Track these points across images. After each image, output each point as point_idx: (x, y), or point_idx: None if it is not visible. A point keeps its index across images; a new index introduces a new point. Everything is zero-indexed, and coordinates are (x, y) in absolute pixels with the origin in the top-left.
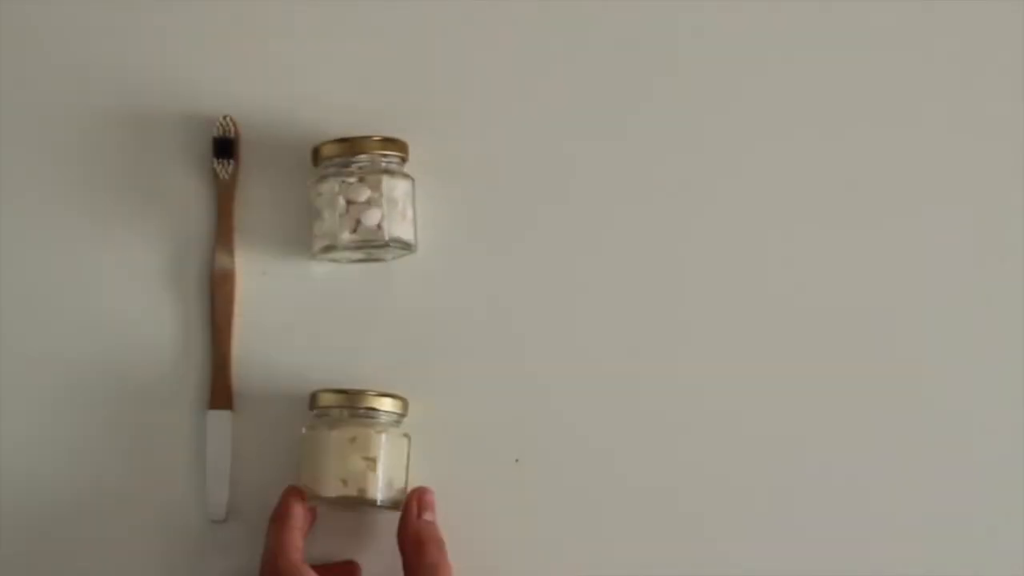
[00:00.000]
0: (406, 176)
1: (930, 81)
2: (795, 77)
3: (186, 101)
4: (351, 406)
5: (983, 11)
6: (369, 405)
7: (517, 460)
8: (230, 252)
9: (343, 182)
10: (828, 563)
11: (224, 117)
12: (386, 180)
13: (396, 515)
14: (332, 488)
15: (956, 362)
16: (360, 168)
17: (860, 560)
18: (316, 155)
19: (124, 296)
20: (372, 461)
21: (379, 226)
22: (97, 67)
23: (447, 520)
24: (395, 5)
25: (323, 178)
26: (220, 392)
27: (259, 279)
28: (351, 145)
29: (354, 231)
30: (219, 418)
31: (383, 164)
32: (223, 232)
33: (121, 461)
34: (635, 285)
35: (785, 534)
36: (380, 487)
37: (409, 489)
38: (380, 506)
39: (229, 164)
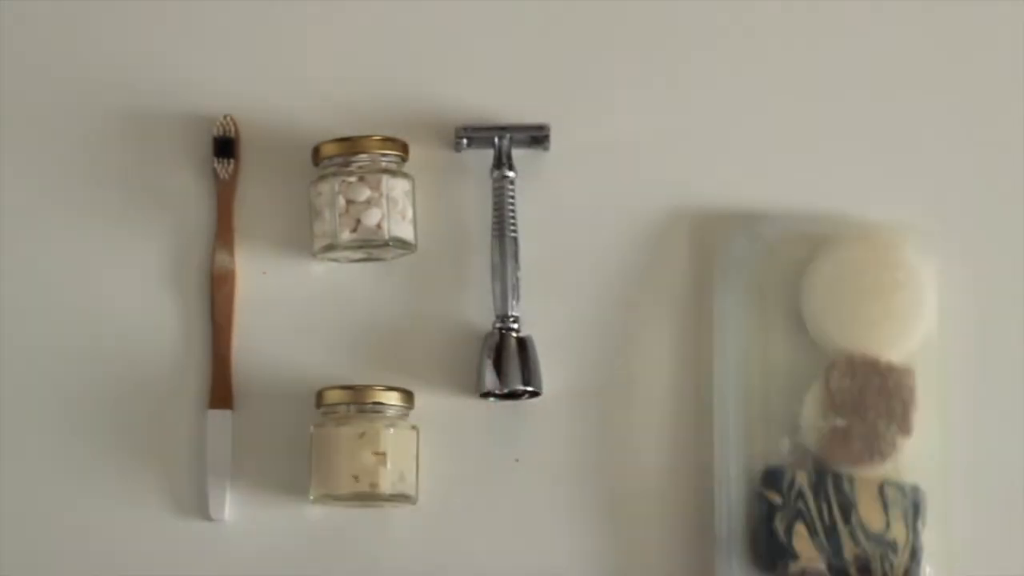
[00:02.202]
0: (406, 176)
1: None
2: None
3: (186, 101)
4: (358, 402)
5: None
6: (376, 400)
7: (517, 460)
8: (230, 252)
9: (343, 181)
10: None
11: (224, 117)
12: (386, 179)
13: (408, 508)
14: (344, 485)
15: None
16: (360, 168)
17: None
18: (316, 155)
19: (124, 296)
20: (382, 455)
21: (379, 225)
22: (98, 67)
23: (447, 519)
24: (395, 5)
25: (323, 178)
26: (220, 391)
27: (259, 279)
28: (351, 144)
29: (354, 230)
30: (219, 417)
31: (383, 163)
32: (223, 232)
33: (121, 460)
34: None
35: None
36: (392, 480)
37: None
38: (392, 499)
39: (229, 164)
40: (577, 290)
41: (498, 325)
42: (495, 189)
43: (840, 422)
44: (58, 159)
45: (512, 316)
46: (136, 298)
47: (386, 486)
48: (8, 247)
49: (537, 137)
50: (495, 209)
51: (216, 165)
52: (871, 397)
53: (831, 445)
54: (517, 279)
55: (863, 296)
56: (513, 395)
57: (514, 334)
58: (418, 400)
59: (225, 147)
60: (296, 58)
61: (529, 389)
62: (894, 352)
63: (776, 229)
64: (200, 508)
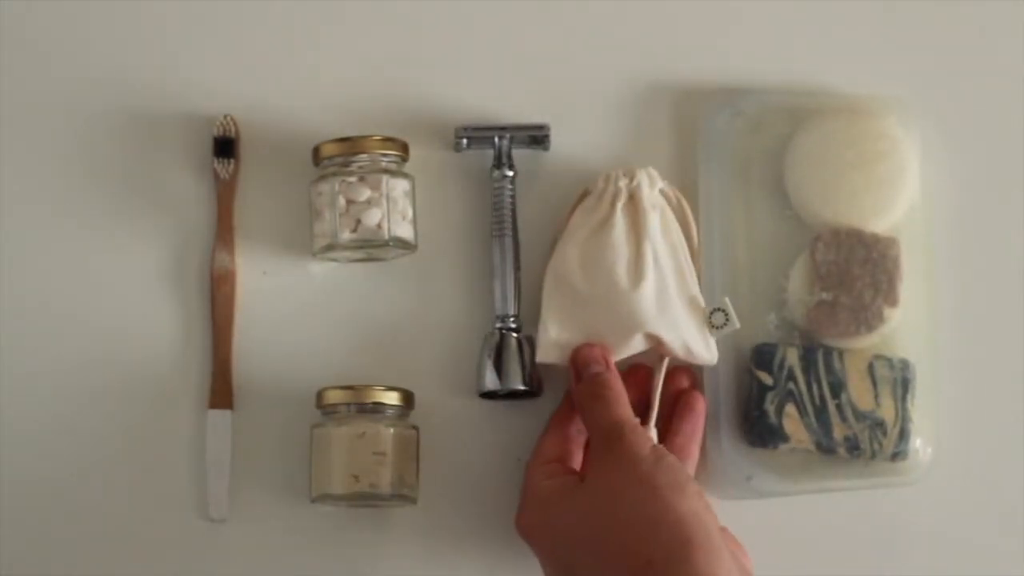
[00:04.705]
0: (406, 176)
1: None
2: None
3: (186, 101)
4: (358, 402)
5: None
6: (376, 400)
7: (518, 460)
8: (230, 252)
9: (343, 181)
10: None
11: (224, 117)
12: (386, 179)
13: (408, 508)
14: (344, 485)
15: None
16: (360, 168)
17: None
18: (316, 155)
19: (124, 296)
20: (382, 455)
21: (379, 226)
22: (97, 67)
23: (447, 519)
24: (395, 5)
25: (323, 178)
26: (220, 392)
27: (259, 279)
28: (351, 145)
29: (354, 231)
30: (219, 417)
31: (383, 163)
32: (223, 232)
33: (121, 460)
34: None
35: None
36: (391, 481)
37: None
38: (392, 499)
39: (229, 164)
40: None
41: (498, 325)
42: (495, 189)
43: (826, 295)
44: (58, 160)
45: (512, 316)
46: (136, 298)
47: (386, 486)
48: (8, 247)
49: (537, 137)
50: (495, 209)
51: (216, 165)
52: (856, 268)
53: (818, 318)
54: (517, 279)
55: (846, 168)
56: (513, 395)
57: (514, 334)
58: (418, 400)
59: (225, 147)
60: (296, 58)
61: (529, 389)
62: (878, 223)
63: (758, 104)
64: (200, 508)
